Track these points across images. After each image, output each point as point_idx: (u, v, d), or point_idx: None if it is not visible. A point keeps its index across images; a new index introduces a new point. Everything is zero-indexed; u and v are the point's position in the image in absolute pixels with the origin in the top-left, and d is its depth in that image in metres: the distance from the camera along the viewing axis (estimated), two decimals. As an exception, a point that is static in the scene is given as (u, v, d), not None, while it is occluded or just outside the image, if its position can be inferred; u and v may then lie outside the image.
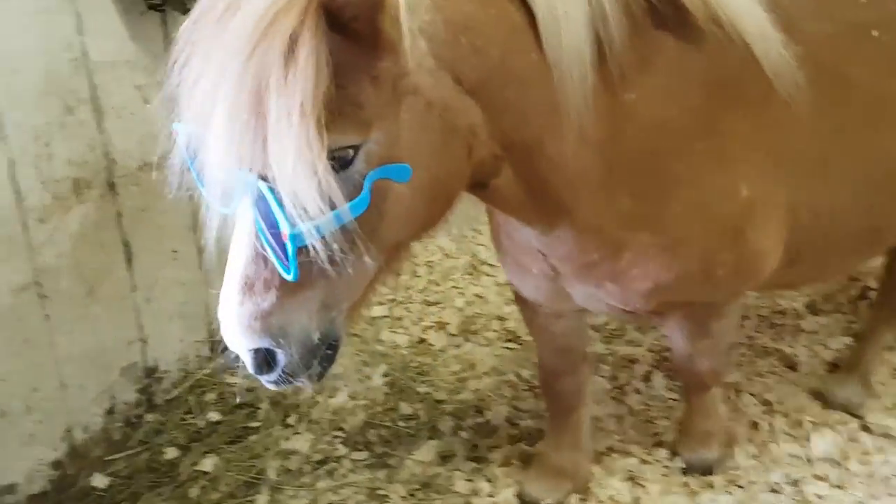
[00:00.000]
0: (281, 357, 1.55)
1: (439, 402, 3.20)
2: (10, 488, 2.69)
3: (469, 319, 3.76)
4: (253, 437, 3.07)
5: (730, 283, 2.18)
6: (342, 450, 3.00)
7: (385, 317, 3.78)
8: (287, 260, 1.42)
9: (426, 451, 2.96)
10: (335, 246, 1.42)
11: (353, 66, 1.41)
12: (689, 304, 2.25)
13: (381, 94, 1.45)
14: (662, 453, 2.89)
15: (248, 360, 1.56)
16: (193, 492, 2.85)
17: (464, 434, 3.05)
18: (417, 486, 2.84)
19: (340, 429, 3.10)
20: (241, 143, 1.34)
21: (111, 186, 2.85)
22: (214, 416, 3.19)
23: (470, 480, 2.83)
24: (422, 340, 3.61)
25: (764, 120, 1.96)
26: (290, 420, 3.14)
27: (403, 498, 2.79)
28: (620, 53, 1.73)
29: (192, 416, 3.20)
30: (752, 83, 1.89)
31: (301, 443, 3.02)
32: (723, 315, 2.37)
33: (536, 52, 1.67)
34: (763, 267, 2.15)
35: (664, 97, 1.85)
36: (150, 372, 3.16)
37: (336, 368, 1.73)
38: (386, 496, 2.79)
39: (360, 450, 3.00)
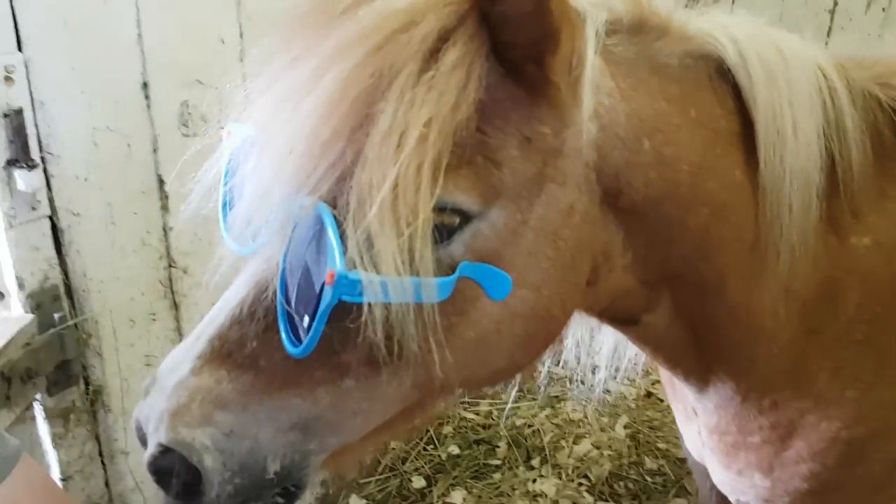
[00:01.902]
0: (209, 481, 1.04)
1: (680, 460, 3.20)
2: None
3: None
4: (497, 475, 3.14)
5: None
6: (588, 498, 3.04)
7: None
8: (299, 328, 0.98)
9: (674, 510, 2.98)
10: (383, 338, 0.98)
11: (505, 113, 1.05)
12: None
13: (526, 166, 1.07)
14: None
15: (147, 456, 1.05)
16: (447, 521, 2.94)
17: (710, 496, 3.04)
18: (669, 545, 2.85)
19: (585, 476, 3.14)
20: (322, 157, 0.96)
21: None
22: (454, 449, 3.27)
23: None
24: (649, 395, 3.63)
25: None
26: (534, 462, 3.20)
27: (658, 555, 2.80)
28: (858, 183, 1.34)
29: (433, 447, 3.29)
30: None
31: (547, 486, 3.08)
32: None
33: (742, 171, 1.27)
34: None
35: None
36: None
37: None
38: (640, 551, 2.81)
39: (605, 500, 3.04)
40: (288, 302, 0.99)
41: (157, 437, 1.03)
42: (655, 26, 1.24)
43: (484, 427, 3.35)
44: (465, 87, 0.98)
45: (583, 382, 3.60)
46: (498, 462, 3.20)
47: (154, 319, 2.36)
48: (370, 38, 0.99)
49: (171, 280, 2.36)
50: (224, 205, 1.16)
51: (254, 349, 1.02)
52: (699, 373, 1.51)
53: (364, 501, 3.03)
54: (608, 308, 1.34)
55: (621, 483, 3.08)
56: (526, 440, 3.26)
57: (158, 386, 1.05)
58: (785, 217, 1.28)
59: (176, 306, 2.39)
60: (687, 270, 1.30)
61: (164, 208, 2.27)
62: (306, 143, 0.97)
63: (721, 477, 1.76)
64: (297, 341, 0.98)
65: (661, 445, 3.26)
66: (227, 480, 1.04)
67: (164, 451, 1.03)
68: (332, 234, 0.94)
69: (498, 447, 3.27)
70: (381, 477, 3.13)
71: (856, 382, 1.46)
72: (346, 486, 3.04)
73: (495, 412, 3.43)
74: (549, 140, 1.09)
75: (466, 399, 3.27)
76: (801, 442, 1.52)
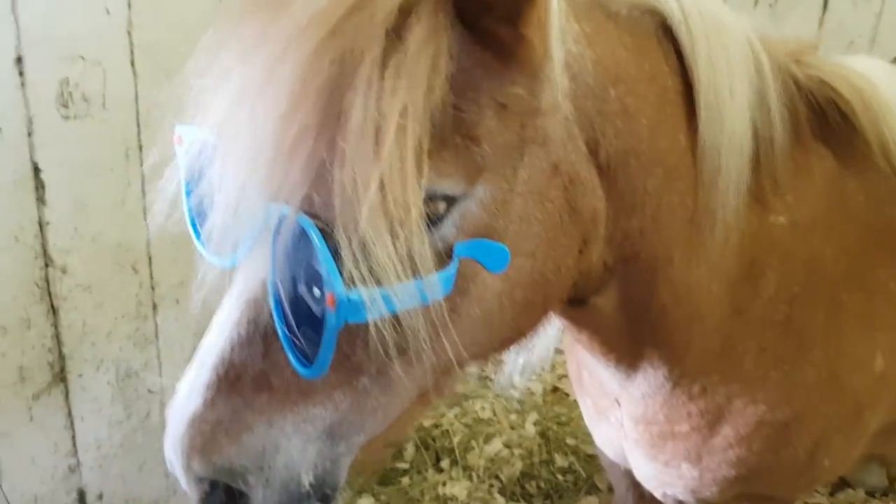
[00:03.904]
0: (255, 500, 1.03)
1: (590, 456, 3.15)
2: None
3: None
4: (405, 480, 3.00)
5: (825, 475, 1.69)
6: (500, 500, 2.95)
7: (510, 361, 3.74)
8: (309, 346, 0.94)
9: (586, 508, 2.93)
10: (392, 337, 0.96)
11: (476, 83, 0.99)
12: (763, 500, 1.72)
13: (505, 134, 1.02)
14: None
15: (195, 496, 1.04)
16: (356, 534, 2.78)
17: (621, 491, 3.00)
18: (586, 544, 2.80)
19: (496, 477, 3.04)
20: (292, 159, 0.90)
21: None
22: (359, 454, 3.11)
23: (638, 541, 2.79)
24: (555, 389, 3.57)
25: None
26: (443, 464, 3.08)
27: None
28: (778, 160, 1.34)
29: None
30: None
31: (458, 489, 2.97)
32: None
33: (684, 135, 1.25)
34: (856, 455, 1.70)
35: (820, 228, 1.43)
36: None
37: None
38: (558, 553, 2.74)
39: (516, 500, 2.95)
40: (287, 324, 0.95)
41: (193, 471, 1.00)
42: None
43: (389, 429, 3.21)
44: (435, 66, 0.92)
45: (490, 379, 3.53)
46: (406, 466, 3.06)
47: (29, 326, 2.09)
48: (325, 20, 0.91)
49: (47, 281, 2.09)
50: (191, 216, 1.09)
51: (262, 370, 0.99)
52: (631, 358, 1.48)
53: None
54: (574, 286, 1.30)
55: (533, 483, 3.00)
56: (434, 441, 3.14)
57: (175, 423, 1.01)
58: (721, 183, 1.27)
59: (54, 310, 2.13)
60: (642, 247, 1.27)
61: (41, 200, 2.01)
62: (273, 145, 0.91)
63: (646, 471, 1.72)
64: (306, 362, 0.95)
65: (570, 441, 3.20)
66: (267, 499, 1.02)
67: (206, 484, 1.01)
68: (322, 252, 0.90)
69: (405, 450, 3.13)
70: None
71: (779, 363, 1.48)
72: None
73: (401, 413, 3.29)
74: (525, 101, 1.04)
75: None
76: (729, 428, 1.52)
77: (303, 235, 0.92)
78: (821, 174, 1.43)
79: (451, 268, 0.98)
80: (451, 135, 0.96)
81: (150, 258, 2.23)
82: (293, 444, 1.02)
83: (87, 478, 2.34)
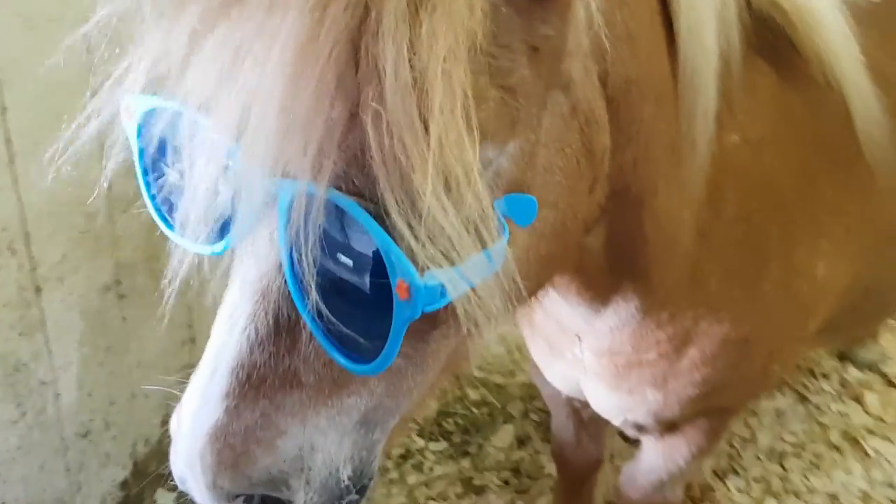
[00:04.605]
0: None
1: (500, 385, 3.16)
2: (89, 516, 2.38)
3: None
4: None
5: (775, 382, 1.83)
6: (419, 442, 2.90)
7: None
8: (363, 340, 0.85)
9: (503, 437, 2.94)
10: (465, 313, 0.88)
11: (509, 24, 0.87)
12: (719, 411, 1.79)
13: (536, 84, 0.93)
14: None
15: None
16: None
17: (534, 416, 3.04)
18: (509, 472, 2.81)
19: (412, 419, 2.99)
20: (308, 127, 0.76)
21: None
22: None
23: (558, 462, 2.84)
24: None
25: (850, 187, 1.58)
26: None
27: (501, 487, 2.75)
28: (735, 78, 1.31)
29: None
30: (843, 143, 1.50)
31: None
32: (731, 423, 1.96)
33: (665, 57, 1.23)
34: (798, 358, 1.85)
35: (768, 145, 1.45)
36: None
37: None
38: (485, 486, 2.74)
39: (436, 440, 2.92)
40: (321, 318, 0.83)
41: (223, 489, 0.89)
42: None
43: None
44: (470, 4, 0.79)
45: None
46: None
47: None
48: None
49: None
50: (153, 198, 0.97)
51: (289, 366, 0.88)
52: (606, 294, 1.46)
53: (173, 494, 2.65)
54: None
55: (450, 420, 2.98)
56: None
57: (190, 438, 0.88)
58: (700, 107, 1.24)
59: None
60: (633, 179, 1.24)
61: None
62: (279, 113, 0.76)
63: (606, 400, 1.75)
64: (360, 359, 0.86)
65: (479, 374, 3.20)
66: (311, 501, 0.94)
67: (241, 500, 0.92)
68: (379, 235, 0.78)
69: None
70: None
71: (740, 281, 1.52)
72: (151, 481, 2.63)
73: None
74: (554, 43, 0.95)
75: None
76: (695, 349, 1.55)
77: (336, 216, 0.80)
78: (765, 90, 1.43)
79: (505, 229, 0.89)
80: (486, 87, 0.85)
81: (27, 235, 1.96)
82: (330, 439, 0.94)
83: (-19, 488, 2.08)
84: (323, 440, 0.93)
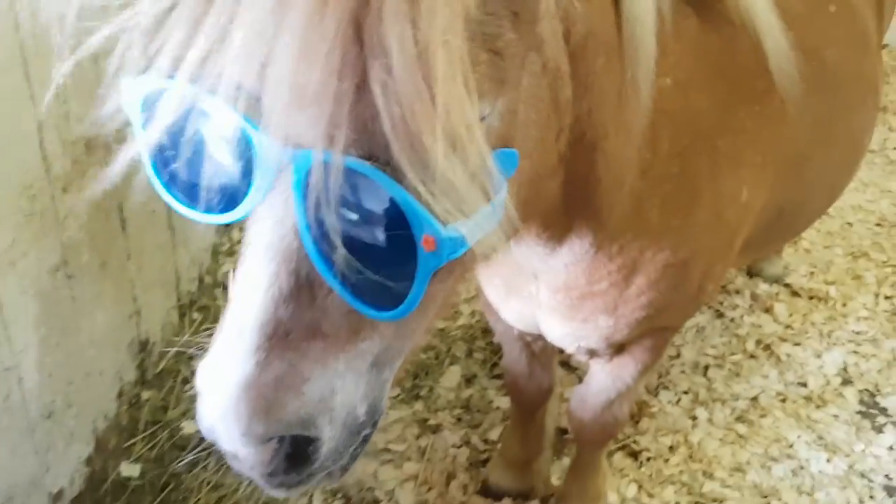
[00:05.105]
0: (322, 445, 1.05)
1: (442, 330, 3.28)
2: (59, 495, 2.39)
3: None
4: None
5: (707, 299, 1.94)
6: (372, 390, 3.00)
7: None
8: (387, 288, 0.94)
9: (451, 377, 3.07)
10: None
11: None
12: (661, 330, 1.97)
13: (518, 43, 1.02)
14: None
15: (261, 458, 1.01)
16: (243, 459, 2.72)
17: (478, 355, 3.18)
18: (461, 409, 2.95)
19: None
20: (319, 102, 0.83)
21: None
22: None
23: (505, 395, 3.00)
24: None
25: (764, 117, 1.73)
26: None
27: (454, 424, 2.89)
28: (666, 22, 1.41)
29: (191, 386, 2.98)
30: (757, 76, 1.65)
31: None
32: (671, 339, 2.14)
33: (613, 10, 1.32)
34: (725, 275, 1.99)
35: (694, 84, 1.58)
36: (143, 346, 2.89)
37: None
38: (439, 425, 2.88)
39: (387, 387, 3.03)
40: (341, 273, 0.92)
41: (257, 434, 0.97)
42: None
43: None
44: None
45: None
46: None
47: None
48: None
49: None
50: (161, 176, 1.00)
51: (312, 319, 0.97)
52: (561, 233, 1.57)
53: (139, 466, 2.68)
54: None
55: (399, 367, 3.09)
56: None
57: (222, 392, 0.95)
58: (641, 53, 1.34)
59: None
60: (588, 126, 1.34)
61: None
62: (289, 91, 0.84)
63: (561, 330, 1.89)
64: (384, 306, 0.96)
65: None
66: (333, 438, 1.04)
67: (281, 444, 1.01)
68: (401, 195, 0.88)
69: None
70: (146, 434, 2.78)
71: (678, 211, 1.67)
72: (113, 455, 2.65)
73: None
74: (530, 7, 1.04)
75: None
76: (641, 277, 1.70)
77: (353, 180, 0.88)
78: (688, 34, 1.55)
79: (503, 180, 0.99)
80: (479, 51, 0.95)
81: (-27, 219, 1.94)
82: (348, 381, 1.03)
83: (-48, 479, 2.08)
84: (342, 383, 1.02)
